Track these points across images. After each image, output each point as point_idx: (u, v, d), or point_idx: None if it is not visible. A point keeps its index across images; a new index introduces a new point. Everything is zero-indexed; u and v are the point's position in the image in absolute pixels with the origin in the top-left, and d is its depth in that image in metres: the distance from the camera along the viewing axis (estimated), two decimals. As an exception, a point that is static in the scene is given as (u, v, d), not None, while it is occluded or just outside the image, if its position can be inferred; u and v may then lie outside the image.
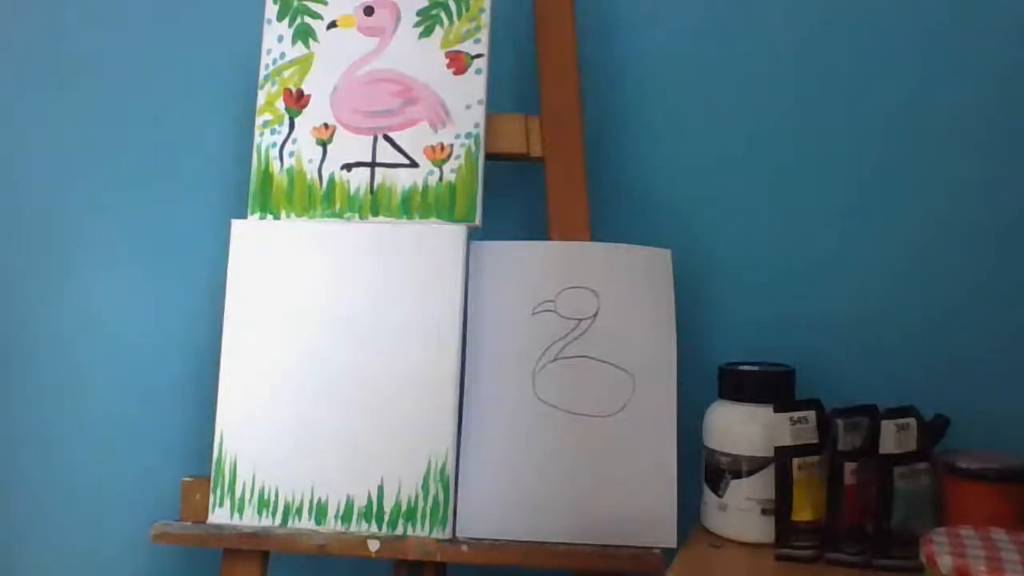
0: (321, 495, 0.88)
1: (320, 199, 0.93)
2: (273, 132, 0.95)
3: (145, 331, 1.13)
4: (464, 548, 0.85)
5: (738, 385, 0.84)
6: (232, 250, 0.93)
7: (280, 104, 0.95)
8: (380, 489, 0.87)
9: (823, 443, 0.78)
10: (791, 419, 0.78)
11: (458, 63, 0.93)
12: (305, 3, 0.96)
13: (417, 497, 0.87)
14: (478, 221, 0.90)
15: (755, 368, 0.85)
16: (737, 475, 0.81)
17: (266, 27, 0.97)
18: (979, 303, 0.91)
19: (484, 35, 0.93)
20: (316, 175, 0.94)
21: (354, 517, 0.88)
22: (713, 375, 0.86)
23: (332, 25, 0.96)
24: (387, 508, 0.87)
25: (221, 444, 0.90)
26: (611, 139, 1.00)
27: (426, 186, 0.92)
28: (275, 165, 0.94)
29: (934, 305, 0.92)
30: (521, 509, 0.86)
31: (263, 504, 0.89)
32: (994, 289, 0.91)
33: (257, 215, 0.94)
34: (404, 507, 0.87)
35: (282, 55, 0.96)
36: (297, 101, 0.95)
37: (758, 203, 0.97)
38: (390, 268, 0.90)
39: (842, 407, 0.78)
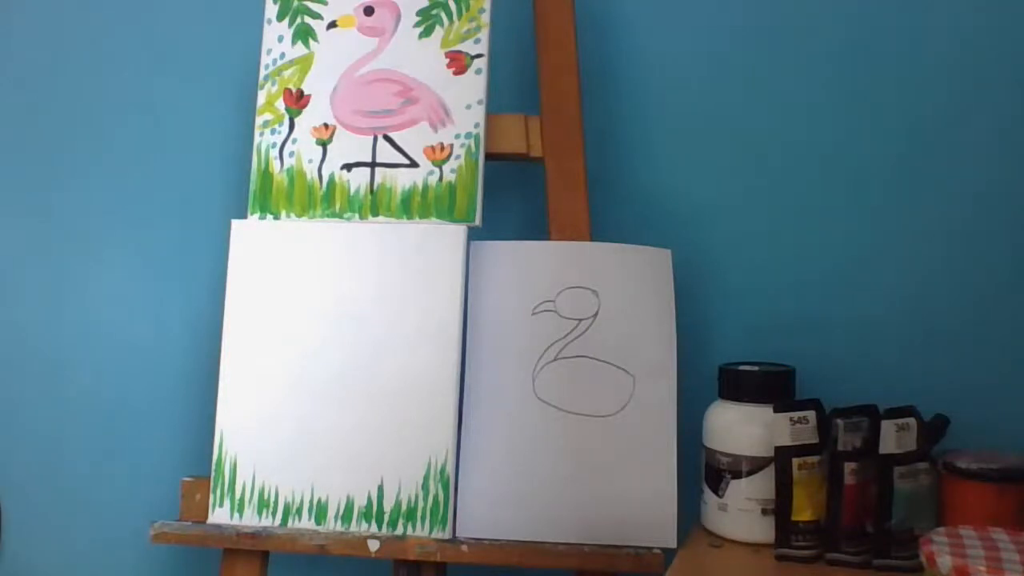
0: (321, 495, 0.88)
1: (320, 199, 0.93)
2: (273, 132, 0.95)
3: (145, 331, 1.13)
4: (464, 548, 0.85)
5: (738, 385, 0.84)
6: (232, 250, 0.93)
7: (280, 104, 0.95)
8: (380, 489, 0.87)
9: (823, 443, 0.78)
10: (791, 419, 0.78)
11: (458, 63, 0.93)
12: (305, 3, 0.96)
13: (417, 497, 0.87)
14: (478, 221, 0.90)
15: (755, 368, 0.85)
16: (737, 475, 0.81)
17: (266, 27, 0.97)
18: (979, 303, 0.91)
19: (484, 35, 0.93)
20: (316, 175, 0.93)
21: (354, 517, 0.88)
22: (713, 375, 0.86)
23: (332, 25, 0.96)
24: (387, 508, 0.87)
25: (221, 444, 0.90)
26: (611, 139, 1.00)
27: (426, 186, 0.92)
28: (275, 165, 0.94)
29: (934, 305, 0.92)
30: (521, 509, 0.86)
31: (263, 504, 0.89)
32: (994, 289, 0.91)
33: (257, 215, 0.94)
34: (404, 507, 0.87)
35: (282, 55, 0.96)
36: (297, 101, 0.95)
37: (758, 203, 0.97)
38: (390, 268, 0.90)
39: (842, 407, 0.78)
